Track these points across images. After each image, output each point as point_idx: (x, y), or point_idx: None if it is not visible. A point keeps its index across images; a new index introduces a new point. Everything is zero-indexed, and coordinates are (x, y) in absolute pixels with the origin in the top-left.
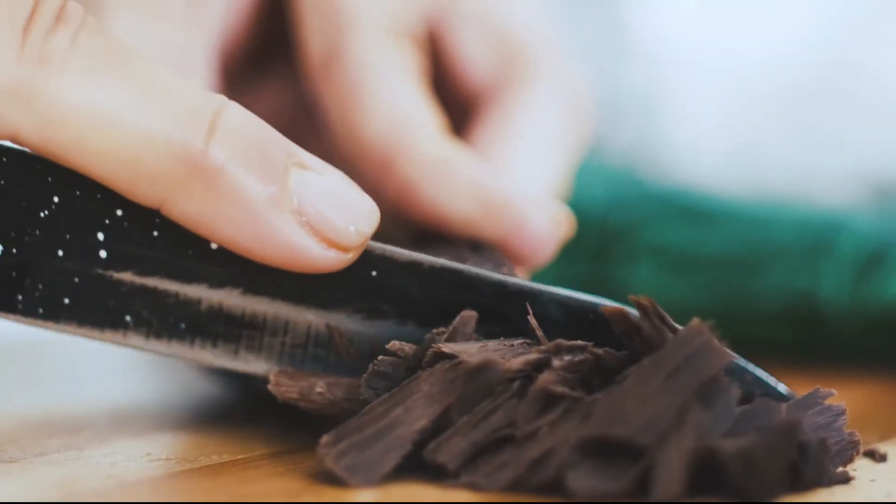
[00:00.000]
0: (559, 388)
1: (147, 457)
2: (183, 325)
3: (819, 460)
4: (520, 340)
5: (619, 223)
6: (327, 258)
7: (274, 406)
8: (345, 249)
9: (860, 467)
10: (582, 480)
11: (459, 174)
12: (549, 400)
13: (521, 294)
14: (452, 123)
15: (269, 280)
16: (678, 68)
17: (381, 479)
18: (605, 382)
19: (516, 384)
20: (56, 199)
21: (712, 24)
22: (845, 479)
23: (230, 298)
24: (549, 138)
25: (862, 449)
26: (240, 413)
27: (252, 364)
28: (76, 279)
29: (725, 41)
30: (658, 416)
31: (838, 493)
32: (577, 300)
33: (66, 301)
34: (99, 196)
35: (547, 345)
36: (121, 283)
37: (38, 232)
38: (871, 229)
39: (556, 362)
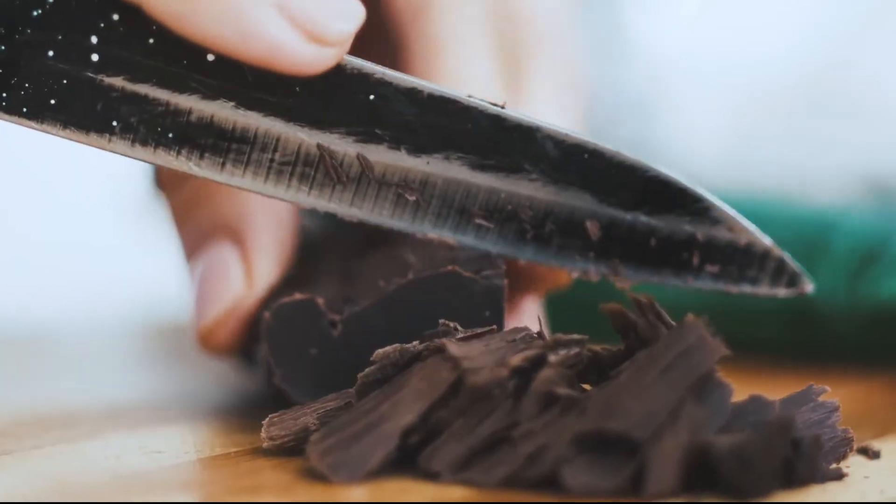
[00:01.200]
0: (561, 390)
1: (141, 450)
2: (171, 135)
3: (812, 457)
4: (521, 335)
5: None
6: (310, 54)
7: (268, 399)
8: (329, 44)
9: (854, 464)
10: (577, 476)
11: None
12: (548, 399)
13: (518, 129)
14: None
15: (263, 95)
16: (675, 68)
17: (365, 475)
18: (601, 378)
19: (512, 383)
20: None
21: (710, 26)
22: (839, 476)
23: (222, 111)
24: (545, 111)
25: (856, 446)
26: (234, 407)
27: (236, 178)
28: (64, 80)
29: (722, 42)
30: (653, 411)
31: (832, 489)
32: (572, 139)
33: (52, 102)
34: None
35: (546, 341)
36: (111, 87)
37: (28, 31)
38: (866, 228)
39: (552, 357)
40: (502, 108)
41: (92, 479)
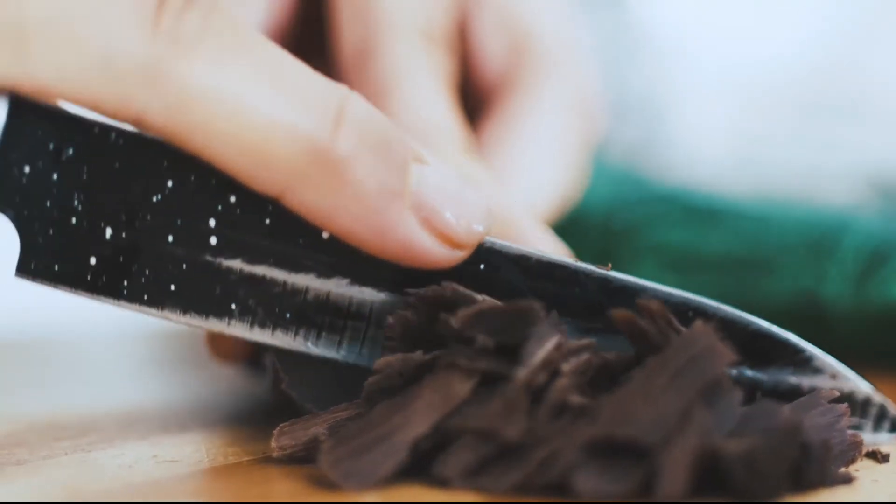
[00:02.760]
0: (575, 399)
1: (154, 459)
2: (288, 315)
3: (822, 461)
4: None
5: (622, 223)
6: (441, 255)
7: (275, 406)
8: (460, 247)
9: (863, 468)
10: (588, 481)
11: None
12: (563, 407)
13: (624, 290)
14: (465, 115)
15: (378, 271)
16: (683, 68)
17: (375, 484)
18: (611, 384)
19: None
20: (170, 184)
21: (717, 25)
22: (848, 480)
23: (338, 288)
24: (559, 135)
25: (864, 450)
26: (246, 415)
27: (353, 356)
28: (184, 265)
29: (730, 42)
30: (663, 417)
31: (841, 493)
32: (677, 297)
33: (172, 287)
34: (213, 182)
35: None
36: (229, 270)
37: (149, 217)
38: (873, 229)
39: (565, 367)
40: (608, 270)
41: (105, 488)
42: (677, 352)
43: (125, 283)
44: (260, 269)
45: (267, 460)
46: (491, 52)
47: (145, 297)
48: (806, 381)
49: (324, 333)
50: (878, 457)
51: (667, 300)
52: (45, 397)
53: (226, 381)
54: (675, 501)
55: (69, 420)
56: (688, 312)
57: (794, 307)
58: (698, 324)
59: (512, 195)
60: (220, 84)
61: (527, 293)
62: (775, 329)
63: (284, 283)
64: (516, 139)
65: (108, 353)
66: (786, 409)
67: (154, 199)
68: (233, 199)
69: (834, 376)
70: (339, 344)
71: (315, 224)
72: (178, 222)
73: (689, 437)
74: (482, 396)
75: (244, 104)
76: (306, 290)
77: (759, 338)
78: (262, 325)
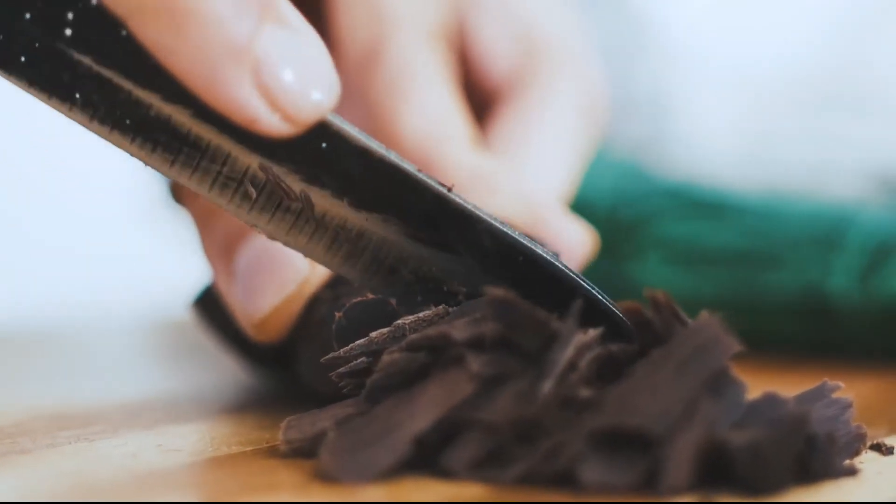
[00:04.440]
0: (584, 392)
1: (158, 448)
2: (128, 121)
3: (826, 453)
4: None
5: (628, 217)
6: (272, 125)
7: (284, 398)
8: (292, 121)
9: (867, 460)
10: (594, 472)
11: (499, 184)
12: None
13: (460, 214)
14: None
15: (221, 115)
16: (689, 65)
17: (374, 478)
18: (616, 374)
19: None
20: None
21: (724, 22)
22: (852, 472)
23: (179, 115)
24: (565, 136)
25: (869, 442)
26: (250, 406)
27: (183, 178)
28: (36, 44)
29: (736, 37)
30: (668, 408)
31: (846, 485)
32: (511, 239)
33: (22, 59)
34: None
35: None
36: (78, 63)
37: None
38: (879, 224)
39: (581, 364)
40: (449, 190)
41: (109, 478)
42: (682, 343)
43: None
44: (108, 73)
45: (271, 451)
46: (497, 53)
47: None
48: None
49: (159, 149)
50: (883, 449)
51: (500, 238)
52: (50, 388)
53: (230, 371)
54: (680, 493)
55: (73, 410)
56: (518, 257)
57: (799, 301)
58: (704, 315)
59: (529, 184)
60: None
61: (360, 184)
62: (603, 298)
63: (129, 93)
64: (525, 138)
65: (111, 345)
66: (791, 401)
67: None
68: (94, 0)
69: None
70: (171, 164)
71: (154, 56)
72: (38, 3)
73: (695, 428)
74: (487, 392)
75: None
76: (149, 106)
77: (586, 303)
78: (102, 122)
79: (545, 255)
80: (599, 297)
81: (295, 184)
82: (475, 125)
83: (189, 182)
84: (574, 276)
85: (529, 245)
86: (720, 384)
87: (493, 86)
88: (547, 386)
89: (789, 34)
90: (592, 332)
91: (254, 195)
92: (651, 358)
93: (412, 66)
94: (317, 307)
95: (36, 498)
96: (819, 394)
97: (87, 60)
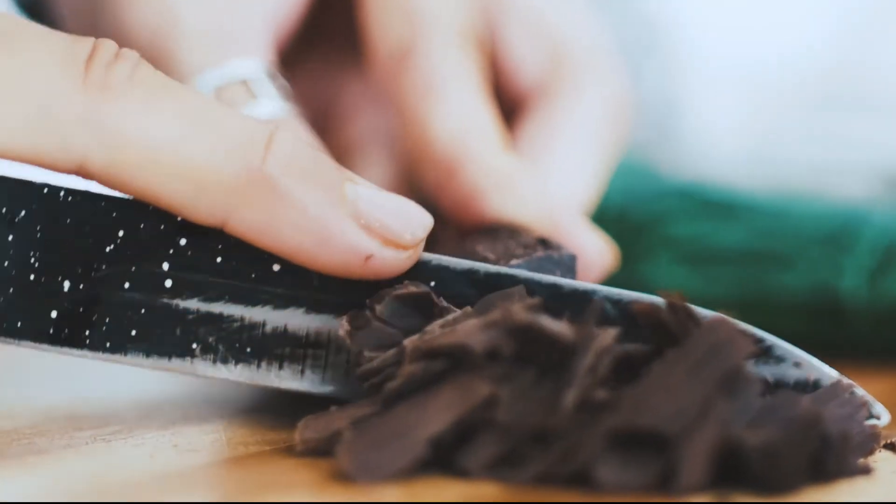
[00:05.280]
0: (600, 394)
1: (175, 448)
2: (249, 349)
3: (841, 452)
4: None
5: (638, 218)
6: (388, 257)
7: (301, 397)
8: (404, 248)
9: (881, 459)
10: (609, 472)
11: (527, 189)
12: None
13: (575, 294)
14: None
15: (332, 298)
16: (697, 64)
17: (390, 478)
18: (632, 375)
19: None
20: (121, 234)
21: (731, 21)
22: (866, 471)
23: (294, 319)
24: (590, 144)
25: (883, 441)
26: (265, 405)
27: (316, 385)
28: (142, 310)
29: (744, 37)
30: (683, 407)
31: (860, 484)
32: (629, 297)
33: (133, 333)
34: (162, 227)
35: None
36: (186, 311)
37: (104, 266)
38: (890, 224)
39: (600, 368)
40: (559, 276)
41: (127, 478)
42: (697, 343)
43: (87, 333)
44: (216, 307)
45: (288, 450)
46: (525, 59)
47: (107, 345)
48: (769, 370)
49: (286, 364)
50: None
51: (620, 300)
52: (64, 389)
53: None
54: (695, 493)
55: (89, 411)
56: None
57: (810, 301)
58: (718, 314)
59: (554, 192)
60: (155, 122)
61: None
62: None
63: (242, 319)
64: (550, 146)
65: None
66: (805, 401)
67: (107, 249)
68: (183, 241)
69: (797, 364)
70: (302, 373)
71: (261, 246)
72: (133, 269)
73: (709, 428)
74: (505, 396)
75: (178, 140)
76: (264, 324)
77: None
78: (224, 362)
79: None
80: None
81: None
82: (505, 130)
83: (323, 388)
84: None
85: (646, 297)
86: (734, 384)
87: (520, 92)
88: (570, 397)
89: (797, 34)
90: (610, 332)
91: None
92: (666, 358)
93: (444, 68)
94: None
95: (55, 498)
96: (833, 393)
97: (193, 304)
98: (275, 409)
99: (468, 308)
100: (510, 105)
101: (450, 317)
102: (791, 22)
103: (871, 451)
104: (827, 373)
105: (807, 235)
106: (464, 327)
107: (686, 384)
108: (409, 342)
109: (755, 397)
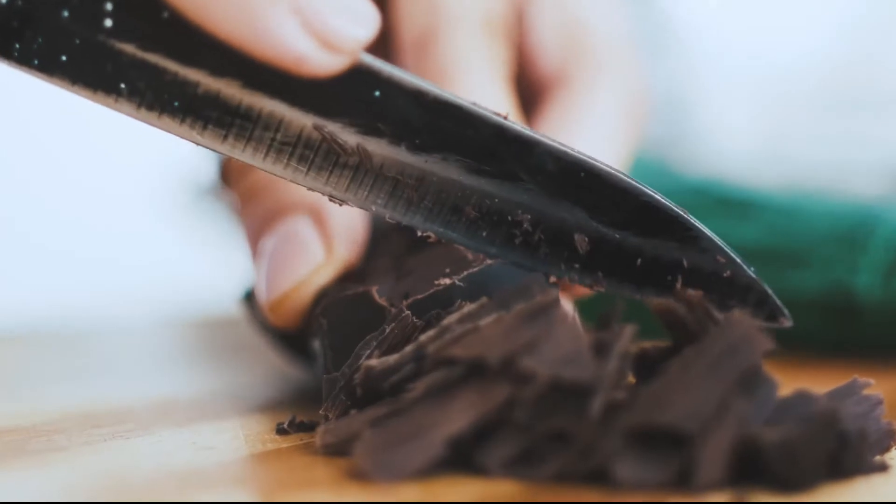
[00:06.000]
0: (619, 394)
1: (193, 446)
2: (176, 103)
3: (858, 449)
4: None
5: None
6: (321, 60)
7: (319, 394)
8: (341, 52)
9: None
10: (628, 469)
11: None
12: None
13: (518, 140)
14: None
15: (271, 79)
16: (710, 61)
17: (407, 477)
18: (650, 373)
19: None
20: None
21: (744, 20)
22: (884, 468)
23: (228, 88)
24: (607, 136)
25: None
26: (283, 402)
27: (237, 151)
28: (77, 40)
29: (757, 36)
30: (701, 405)
31: (876, 482)
32: (571, 156)
33: (63, 58)
34: None
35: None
36: (121, 52)
37: None
38: None
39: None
40: (504, 118)
41: (146, 476)
42: (715, 341)
43: (17, 45)
44: (152, 57)
45: (306, 447)
46: (547, 46)
47: (35, 61)
48: (689, 258)
49: (210, 126)
50: None
51: (561, 157)
52: (82, 387)
53: (263, 367)
54: (713, 490)
55: (107, 409)
56: (580, 173)
57: (824, 299)
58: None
59: None
60: None
61: (418, 127)
62: (667, 203)
63: (176, 74)
64: (567, 137)
65: (143, 343)
66: (822, 398)
67: None
68: None
69: (718, 259)
70: (224, 139)
71: (193, 19)
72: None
73: (727, 425)
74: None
75: None
76: (197, 84)
77: (650, 209)
78: (150, 108)
79: (605, 166)
80: (663, 202)
81: (350, 138)
82: (523, 119)
83: (243, 155)
84: (637, 185)
85: (588, 159)
86: (752, 382)
87: (539, 80)
88: (597, 405)
89: (810, 33)
90: (629, 330)
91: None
92: (684, 356)
93: (465, 56)
94: (320, 300)
95: (76, 497)
96: (849, 391)
97: (129, 48)
98: (292, 406)
99: (485, 299)
100: (530, 91)
101: (466, 310)
102: (804, 21)
103: (887, 449)
104: (746, 271)
105: (821, 233)
106: (484, 335)
107: (704, 382)
108: (427, 339)
109: (773, 395)
